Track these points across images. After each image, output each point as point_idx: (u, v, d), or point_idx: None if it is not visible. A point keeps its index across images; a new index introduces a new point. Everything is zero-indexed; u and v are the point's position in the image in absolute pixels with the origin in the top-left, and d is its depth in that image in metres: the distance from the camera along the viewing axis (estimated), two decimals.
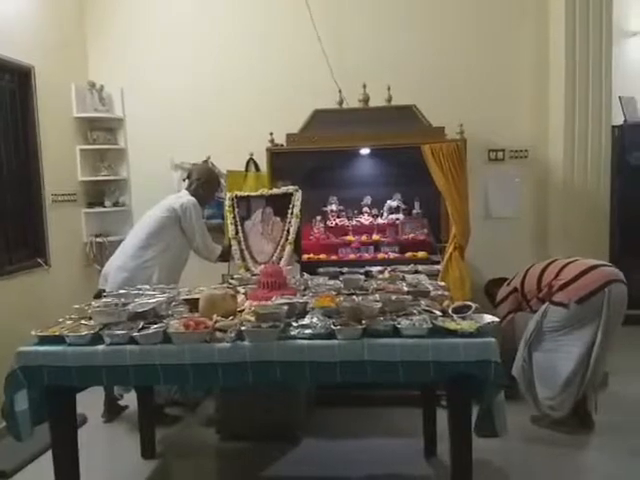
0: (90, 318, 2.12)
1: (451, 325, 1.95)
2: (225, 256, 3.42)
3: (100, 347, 1.95)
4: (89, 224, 4.34)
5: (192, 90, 4.31)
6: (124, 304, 2.20)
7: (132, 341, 1.94)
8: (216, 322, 2.00)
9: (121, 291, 2.51)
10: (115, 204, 4.42)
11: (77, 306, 2.28)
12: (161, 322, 2.04)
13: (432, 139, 3.43)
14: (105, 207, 4.38)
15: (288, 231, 3.29)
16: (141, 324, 2.01)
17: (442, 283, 2.69)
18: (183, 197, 3.32)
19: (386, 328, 1.93)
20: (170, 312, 2.21)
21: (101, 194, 4.42)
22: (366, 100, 3.76)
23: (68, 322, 2.14)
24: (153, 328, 1.98)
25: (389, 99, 3.74)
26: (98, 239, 4.32)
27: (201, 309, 2.14)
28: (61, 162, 4.09)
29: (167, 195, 3.48)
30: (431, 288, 2.43)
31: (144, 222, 3.29)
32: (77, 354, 1.94)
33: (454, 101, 4.05)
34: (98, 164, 4.39)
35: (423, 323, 1.94)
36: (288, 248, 3.25)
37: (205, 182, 3.38)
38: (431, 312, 2.08)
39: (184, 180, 3.55)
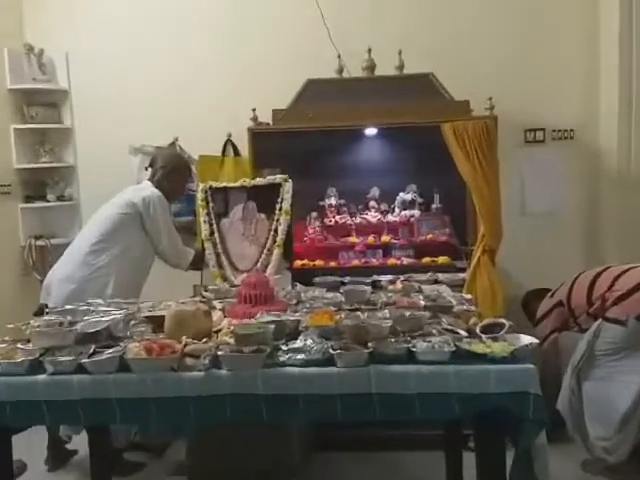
0: (28, 341, 2.11)
1: (479, 348, 1.94)
2: (198, 263, 3.42)
3: (41, 377, 1.93)
4: (27, 223, 4.33)
5: (156, 57, 4.32)
6: (71, 323, 2.19)
7: (81, 369, 1.92)
8: (186, 345, 1.99)
9: (67, 307, 2.49)
10: (60, 198, 4.41)
11: (11, 325, 2.26)
12: (117, 345, 2.03)
13: (455, 116, 3.43)
14: (48, 201, 4.37)
15: (276, 231, 3.29)
16: (92, 348, 2.00)
17: (468, 296, 2.69)
18: (145, 189, 3.32)
19: (398, 352, 1.92)
20: (129, 333, 2.20)
21: (42, 185, 4.41)
22: (372, 68, 3.77)
23: (0, 346, 2.13)
24: (107, 353, 1.96)
25: (400, 66, 3.75)
26: (39, 242, 4.31)
27: (167, 329, 2.13)
28: None
29: (125, 187, 3.48)
30: (454, 302, 2.43)
31: (96, 221, 3.29)
32: (12, 386, 1.92)
33: (482, 69, 4.06)
34: (38, 148, 4.38)
35: (444, 346, 1.93)
36: (276, 252, 3.26)
37: (172, 171, 3.38)
38: (454, 332, 2.07)
39: (146, 168, 3.56)
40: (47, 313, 2.46)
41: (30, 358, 1.98)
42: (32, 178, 4.40)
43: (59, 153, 4.43)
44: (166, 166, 3.38)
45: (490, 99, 3.55)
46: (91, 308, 2.44)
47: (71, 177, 4.46)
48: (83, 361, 1.93)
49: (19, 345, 2.09)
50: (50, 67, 4.37)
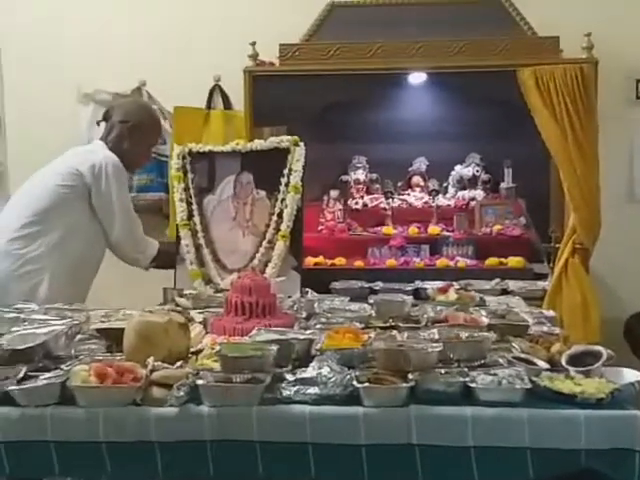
0: None
1: (565, 386, 1.94)
2: (165, 259, 3.44)
3: None
4: None
5: None
6: None
7: (7, 400, 1.93)
8: (153, 371, 2.00)
9: None
10: None
11: None
12: (57, 368, 2.04)
13: (537, 57, 3.44)
14: None
15: (280, 215, 3.31)
16: (23, 371, 2.01)
17: (550, 313, 2.69)
18: (96, 153, 3.34)
19: (450, 388, 1.92)
20: (73, 351, 2.21)
21: None
22: None
23: None
24: (44, 378, 1.97)
25: None
26: None
27: (128, 348, 2.15)
28: None
29: (69, 147, 3.50)
30: (531, 321, 2.42)
31: (26, 195, 3.32)
32: None
33: None
34: None
35: (516, 381, 1.93)
36: (280, 245, 3.27)
37: (134, 127, 3.39)
38: (530, 362, 2.07)
39: (99, 123, 3.58)
40: None
41: None
42: None
43: None
44: (127, 121, 3.39)
45: (588, 35, 3.54)
46: (21, 316, 2.46)
47: None
48: (10, 388, 1.94)
49: None
50: None
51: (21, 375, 2.00)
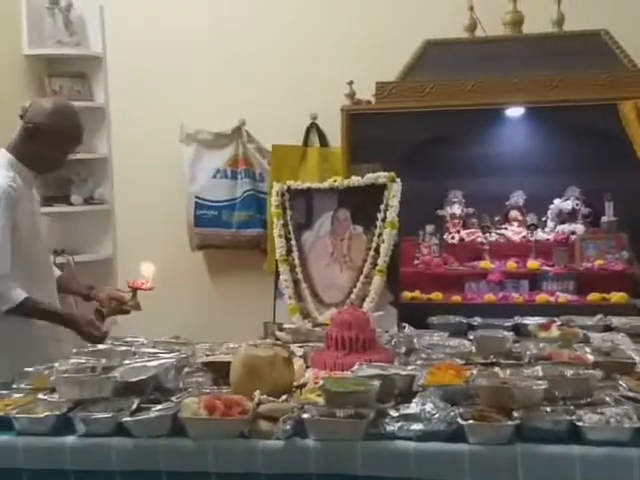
0: (53, 390, 2.21)
1: None
2: (27, 309, 2.80)
3: (69, 439, 2.02)
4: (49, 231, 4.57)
5: (215, 13, 4.47)
6: (106, 369, 2.27)
7: (121, 431, 2.00)
8: (260, 404, 2.04)
9: (100, 346, 2.63)
10: (88, 200, 4.64)
11: (31, 369, 2.40)
12: (168, 400, 2.10)
13: (638, 91, 3.40)
14: (72, 205, 4.59)
15: (377, 251, 3.33)
16: (135, 403, 2.08)
17: None
18: None
19: (557, 427, 1.91)
20: (181, 384, 2.27)
21: (65, 184, 4.65)
22: (518, 22, 3.79)
23: (16, 395, 2.25)
24: (156, 410, 2.04)
25: (559, 20, 3.75)
26: (59, 258, 4.52)
27: (235, 381, 2.19)
28: (4, 126, 4.33)
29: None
30: (638, 358, 2.37)
31: None
32: (31, 449, 2.02)
33: None
34: None
35: (624, 420, 1.89)
36: (377, 280, 3.29)
37: (37, 129, 2.88)
38: (638, 401, 2.02)
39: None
40: None
41: (56, 413, 2.08)
42: (52, 174, 4.63)
43: (88, 140, 4.60)
44: (30, 122, 2.89)
45: None
46: (132, 349, 2.56)
47: (103, 173, 4.70)
48: (124, 420, 2.01)
49: (41, 395, 2.20)
50: (79, 26, 4.64)
51: (134, 407, 2.07)
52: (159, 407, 2.07)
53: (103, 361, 2.38)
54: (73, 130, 2.98)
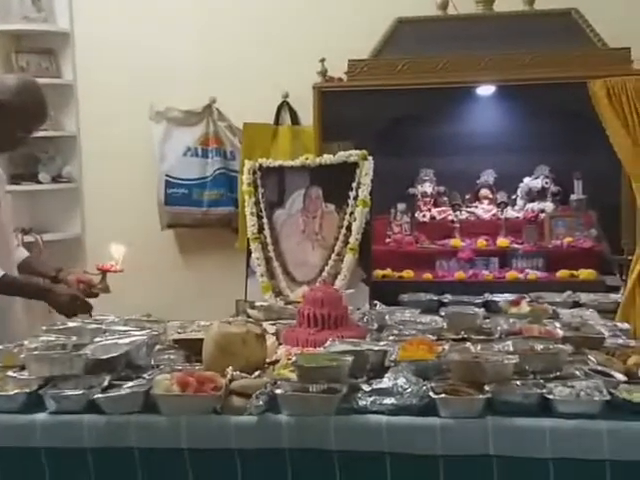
0: (23, 367, 2.20)
1: None
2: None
3: (39, 416, 2.01)
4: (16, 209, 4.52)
5: None
6: (77, 346, 2.26)
7: (93, 408, 2.00)
8: (232, 380, 2.04)
9: (70, 324, 2.60)
10: (56, 179, 4.59)
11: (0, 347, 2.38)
12: (140, 377, 2.10)
13: (608, 69, 3.40)
14: (40, 183, 4.54)
15: (349, 229, 3.34)
16: (107, 380, 2.07)
17: (625, 325, 2.65)
18: None
19: (527, 400, 1.92)
20: (153, 361, 2.27)
21: (33, 162, 4.59)
22: (489, 1, 3.78)
23: None
24: (127, 387, 2.03)
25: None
26: (27, 237, 4.45)
27: (207, 357, 2.19)
28: None
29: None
30: (606, 333, 2.39)
31: None
32: (2, 427, 2.01)
33: None
34: None
35: (594, 393, 1.91)
36: (349, 258, 3.31)
37: (2, 108, 2.78)
38: (607, 375, 2.05)
39: None
40: None
41: (26, 391, 2.07)
42: (19, 152, 4.58)
43: (56, 118, 4.59)
44: None
45: None
46: (102, 327, 2.54)
47: (71, 151, 4.64)
48: (96, 396, 2.00)
49: (10, 373, 2.18)
50: (47, 2, 4.55)
51: (105, 384, 2.06)
52: (131, 384, 2.06)
53: (74, 338, 2.37)
54: (37, 107, 2.89)
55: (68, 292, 2.85)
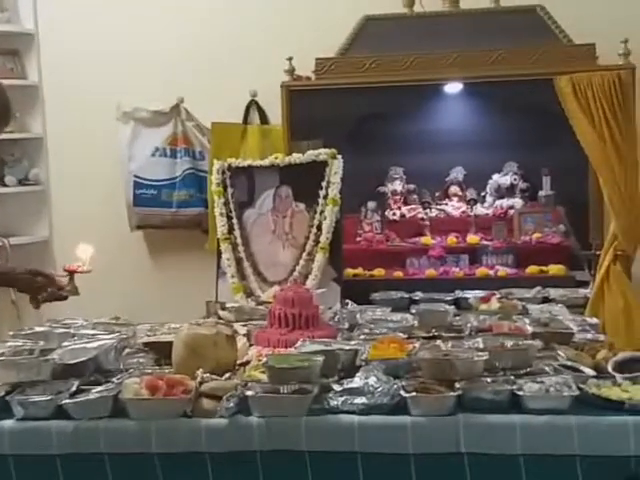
0: None
1: (613, 393, 1.94)
2: None
3: (7, 423, 2.00)
4: None
5: None
6: (44, 351, 2.24)
7: (61, 414, 1.98)
8: (202, 383, 2.04)
9: (38, 329, 2.58)
10: (22, 181, 4.53)
11: None
12: (108, 382, 2.09)
13: (574, 65, 3.44)
14: (6, 186, 4.48)
15: (319, 228, 3.34)
16: (75, 385, 2.06)
17: (593, 320, 2.69)
18: None
19: (498, 397, 1.94)
20: (122, 365, 2.26)
21: None
22: None
23: None
24: (96, 392, 2.02)
25: None
26: None
27: (177, 360, 2.18)
28: None
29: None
30: (575, 328, 2.42)
31: None
32: None
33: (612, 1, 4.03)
34: None
35: (563, 389, 1.93)
36: (319, 257, 3.31)
37: None
38: (576, 370, 2.08)
39: None
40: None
41: None
42: None
43: (22, 120, 4.54)
44: None
45: (625, 42, 3.53)
46: (70, 331, 2.52)
47: (38, 153, 4.59)
48: (64, 402, 1.99)
49: None
50: (11, 3, 4.50)
51: (74, 389, 2.05)
52: (99, 388, 2.06)
53: (41, 343, 2.36)
54: (1, 109, 2.75)
55: (28, 268, 2.76)
